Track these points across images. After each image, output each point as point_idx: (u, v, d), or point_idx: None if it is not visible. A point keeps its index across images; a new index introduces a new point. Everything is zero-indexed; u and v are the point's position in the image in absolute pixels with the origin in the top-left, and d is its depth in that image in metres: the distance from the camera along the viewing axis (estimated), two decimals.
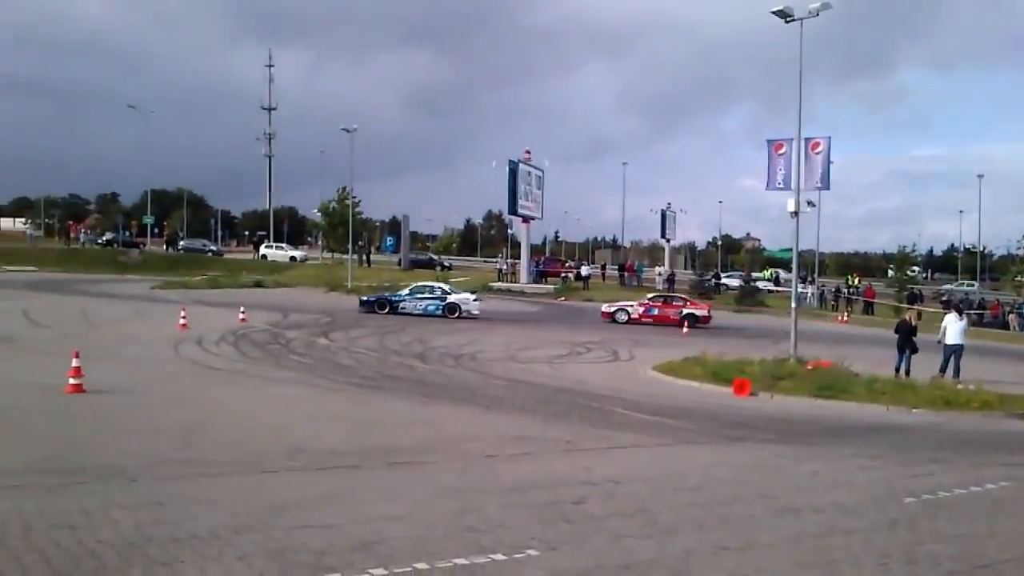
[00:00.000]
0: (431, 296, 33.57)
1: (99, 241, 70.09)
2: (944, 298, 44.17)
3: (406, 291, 34.26)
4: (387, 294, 34.95)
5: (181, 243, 74.58)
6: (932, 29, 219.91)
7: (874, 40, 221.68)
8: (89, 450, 9.77)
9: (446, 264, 68.87)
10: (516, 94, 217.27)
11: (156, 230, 77.92)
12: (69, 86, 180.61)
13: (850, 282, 55.44)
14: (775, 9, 20.14)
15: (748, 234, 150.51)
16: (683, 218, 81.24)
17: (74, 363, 13.68)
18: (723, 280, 60.24)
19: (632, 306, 35.12)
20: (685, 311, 34.27)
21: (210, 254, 68.61)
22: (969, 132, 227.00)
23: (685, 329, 31.18)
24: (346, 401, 14.40)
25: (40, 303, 30.54)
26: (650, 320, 34.09)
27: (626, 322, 34.10)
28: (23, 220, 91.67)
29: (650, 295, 37.95)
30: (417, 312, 32.51)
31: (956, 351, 20.48)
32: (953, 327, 20.74)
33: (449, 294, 33.94)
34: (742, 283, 51.75)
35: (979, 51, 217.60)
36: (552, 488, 8.65)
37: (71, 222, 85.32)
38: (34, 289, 37.58)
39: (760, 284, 55.15)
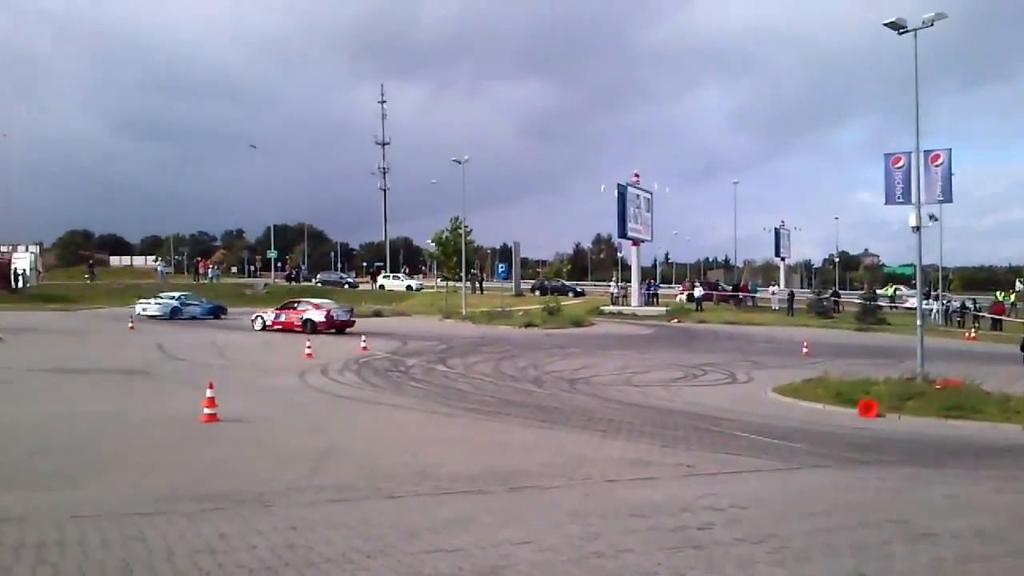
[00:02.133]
0: None
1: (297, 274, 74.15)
2: None
3: None
4: None
5: (319, 276, 77.44)
6: None
7: (1002, 45, 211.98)
8: (225, 477, 10.22)
9: (578, 289, 69.10)
10: (628, 117, 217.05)
11: (279, 264, 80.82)
12: (195, 128, 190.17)
13: (1000, 297, 52.33)
14: (887, 21, 19.62)
15: (866, 250, 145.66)
16: (798, 235, 79.51)
17: (208, 393, 14.34)
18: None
19: (267, 313, 37.21)
20: (305, 316, 35.51)
21: (346, 286, 71.27)
22: None
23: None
24: (466, 426, 14.63)
25: (173, 337, 32.07)
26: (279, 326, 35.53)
27: (262, 329, 35.89)
28: (154, 258, 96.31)
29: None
30: None
31: None
32: None
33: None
34: (862, 301, 50.05)
35: None
36: (676, 513, 8.58)
37: (199, 258, 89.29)
38: (166, 323, 39.53)
39: (881, 302, 53.18)
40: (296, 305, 37.19)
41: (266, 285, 66.00)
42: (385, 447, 12.44)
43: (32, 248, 69.21)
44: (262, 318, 36.73)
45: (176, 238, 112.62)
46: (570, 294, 65.87)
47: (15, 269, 57.32)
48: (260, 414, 15.14)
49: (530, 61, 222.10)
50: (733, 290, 62.63)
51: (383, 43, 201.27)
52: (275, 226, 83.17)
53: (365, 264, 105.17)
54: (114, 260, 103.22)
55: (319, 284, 70.90)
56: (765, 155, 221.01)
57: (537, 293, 63.92)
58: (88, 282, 66.52)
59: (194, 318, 42.49)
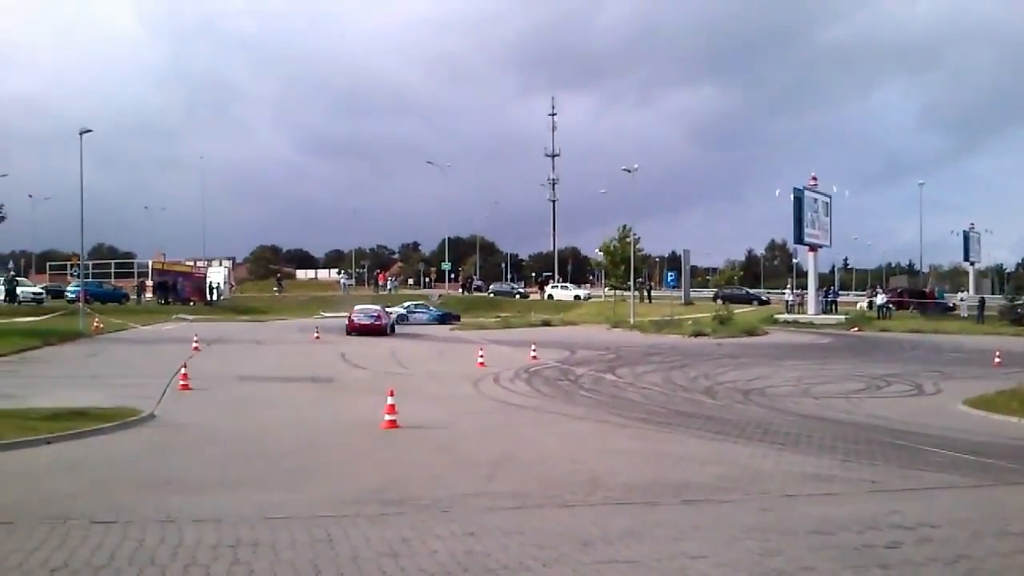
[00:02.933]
0: None
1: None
2: None
3: None
4: None
5: (492, 287, 79.41)
6: None
7: None
8: (406, 482, 10.61)
9: (763, 298, 67.49)
10: (806, 119, 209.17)
11: (452, 275, 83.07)
12: (374, 144, 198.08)
13: None
14: None
15: None
16: (989, 238, 74.43)
17: (389, 401, 14.94)
18: None
19: None
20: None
21: (517, 296, 72.76)
22: None
23: (997, 360, 28.42)
24: (636, 436, 14.57)
25: (355, 346, 33.51)
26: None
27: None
28: (337, 270, 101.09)
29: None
30: None
31: None
32: None
33: None
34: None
35: None
36: (860, 531, 8.25)
37: (379, 271, 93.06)
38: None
39: None
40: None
41: (440, 296, 68.04)
42: (557, 455, 12.57)
43: (225, 263, 74.36)
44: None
45: (357, 251, 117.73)
46: (754, 303, 64.16)
47: (210, 283, 61.60)
48: (437, 421, 15.62)
49: (701, 66, 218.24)
50: (920, 296, 59.37)
51: (555, 55, 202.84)
52: (449, 238, 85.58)
53: (534, 274, 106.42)
54: (300, 273, 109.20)
55: (492, 295, 72.45)
56: (952, 155, 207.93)
57: (719, 302, 62.83)
58: (276, 294, 70.66)
59: (420, 324, 47.75)
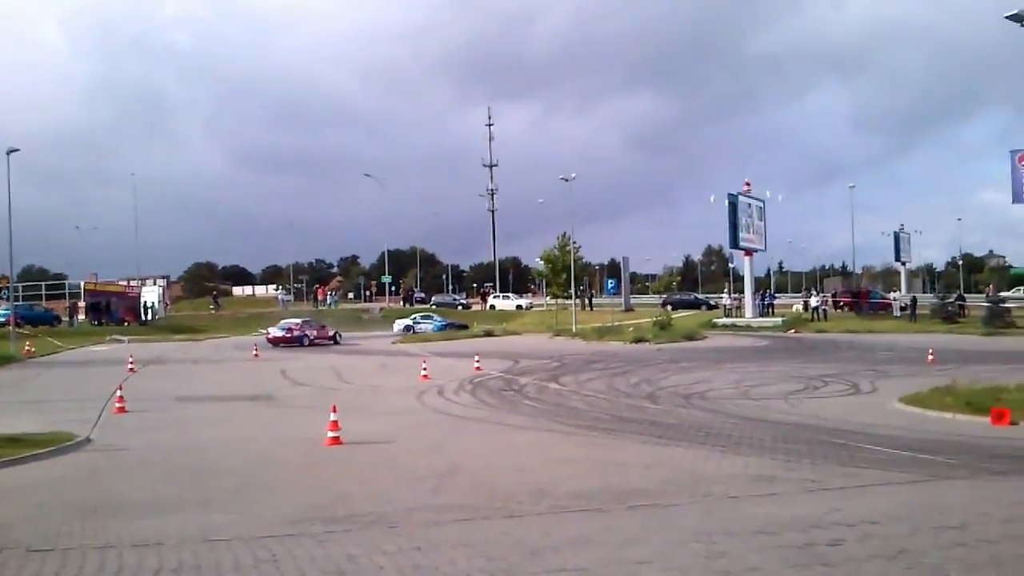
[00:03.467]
0: None
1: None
2: None
3: None
4: None
5: (434, 299, 79.22)
6: None
7: None
8: (351, 498, 10.51)
9: (711, 303, 68.14)
10: (740, 125, 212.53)
11: (393, 288, 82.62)
12: (311, 157, 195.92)
13: None
14: (1009, 14, 18.80)
15: (991, 251, 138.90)
16: (919, 239, 76.50)
17: (332, 417, 14.79)
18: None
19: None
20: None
21: (459, 307, 72.75)
22: None
23: (933, 359, 29.17)
24: (582, 444, 14.62)
25: (295, 363, 33.14)
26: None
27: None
28: (274, 286, 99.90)
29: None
30: None
31: None
32: None
33: None
34: (989, 304, 47.74)
35: None
36: (803, 530, 8.38)
37: (318, 286, 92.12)
38: (289, 349, 40.90)
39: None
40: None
41: (382, 309, 67.63)
42: (503, 466, 12.56)
43: (160, 281, 72.77)
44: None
45: (295, 266, 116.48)
46: (703, 307, 64.93)
47: (144, 302, 60.33)
48: (381, 436, 15.49)
49: (639, 75, 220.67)
50: (853, 297, 60.69)
51: (493, 65, 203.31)
52: (388, 251, 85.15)
53: (475, 285, 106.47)
54: (237, 290, 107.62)
55: (434, 306, 72.29)
56: (884, 157, 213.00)
57: (668, 308, 63.61)
58: (213, 312, 69.47)
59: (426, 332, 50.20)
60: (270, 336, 44.19)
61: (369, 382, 25.95)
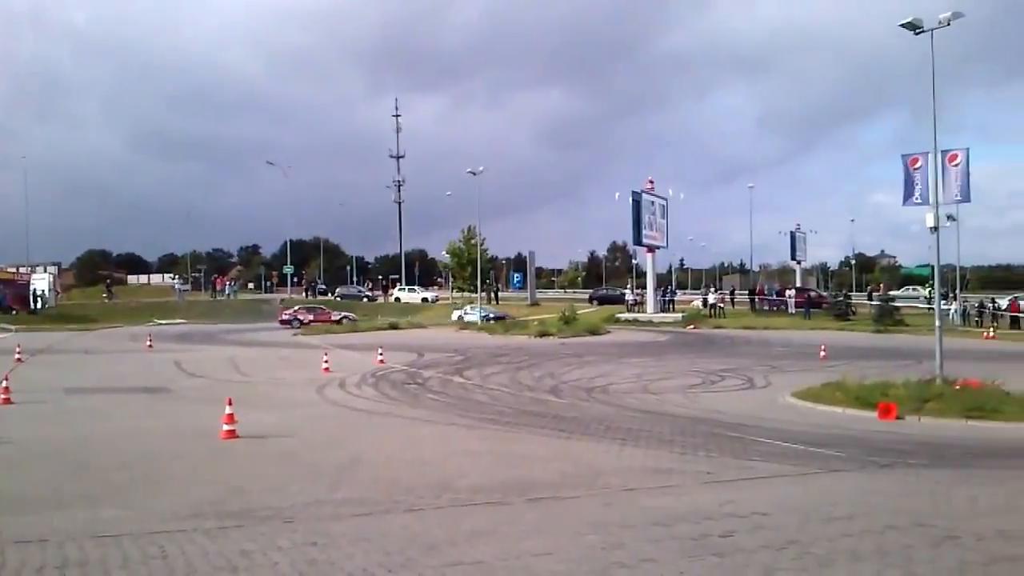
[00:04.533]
0: None
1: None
2: None
3: None
4: None
5: (338, 290, 77.99)
6: None
7: None
8: (246, 493, 10.24)
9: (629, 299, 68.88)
10: (648, 122, 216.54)
11: (295, 278, 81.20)
12: (212, 143, 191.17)
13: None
14: (903, 22, 19.52)
15: (883, 251, 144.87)
16: (819, 237, 79.45)
17: (227, 410, 14.39)
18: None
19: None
20: None
21: (365, 299, 71.82)
22: None
23: (822, 354, 30.20)
24: (484, 438, 14.61)
25: (191, 354, 32.25)
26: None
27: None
28: (171, 275, 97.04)
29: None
30: None
31: None
32: None
33: None
34: (880, 303, 49.76)
35: None
36: (697, 521, 8.56)
37: (216, 275, 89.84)
38: (185, 340, 39.75)
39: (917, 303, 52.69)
40: None
41: (282, 301, 66.36)
42: (404, 460, 12.45)
43: (51, 269, 69.86)
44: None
45: (193, 255, 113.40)
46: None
47: (34, 290, 57.89)
48: (279, 429, 15.18)
49: (550, 70, 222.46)
50: (750, 294, 62.36)
51: (406, 54, 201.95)
52: (291, 241, 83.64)
53: (381, 277, 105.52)
54: (132, 279, 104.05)
55: (338, 299, 71.32)
56: (785, 158, 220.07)
57: (595, 303, 64.39)
58: (106, 301, 67.09)
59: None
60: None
61: (268, 375, 25.41)
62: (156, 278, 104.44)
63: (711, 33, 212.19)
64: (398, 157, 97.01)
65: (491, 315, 53.35)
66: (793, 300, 56.55)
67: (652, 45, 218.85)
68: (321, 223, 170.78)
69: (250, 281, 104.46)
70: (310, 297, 72.95)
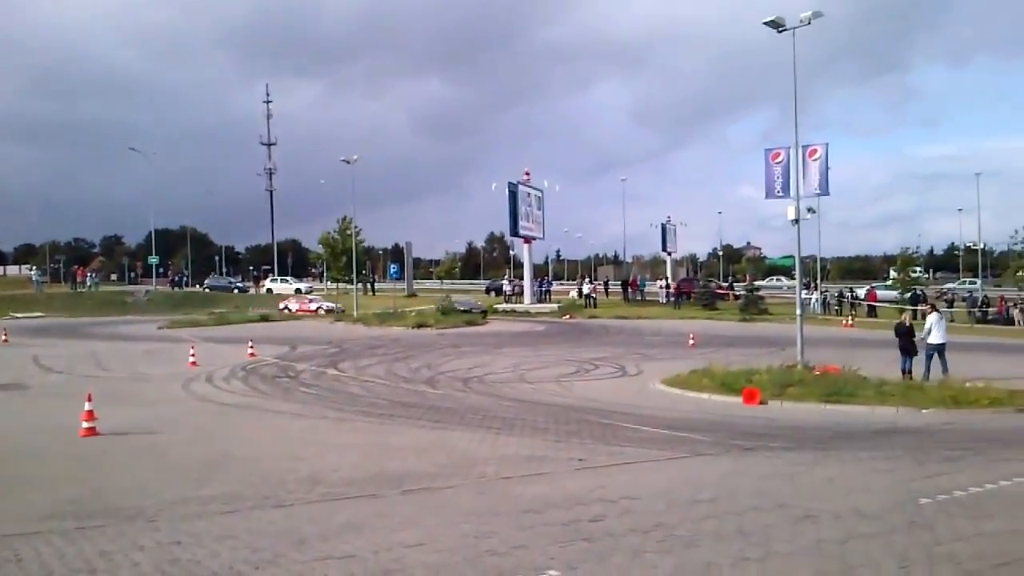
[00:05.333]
0: None
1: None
2: (947, 296, 44.01)
3: None
4: None
5: (207, 281, 75.41)
6: (946, 23, 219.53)
7: (891, 38, 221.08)
8: (106, 492, 9.83)
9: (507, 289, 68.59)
10: (527, 114, 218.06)
11: (161, 270, 78.29)
12: (73, 128, 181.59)
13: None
14: (767, 20, 20.24)
15: (748, 243, 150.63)
16: (690, 229, 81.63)
17: (87, 406, 13.78)
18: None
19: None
20: None
21: (236, 291, 69.70)
22: (984, 128, 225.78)
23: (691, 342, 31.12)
24: (358, 430, 14.44)
25: (50, 348, 30.65)
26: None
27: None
28: (29, 266, 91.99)
29: None
30: None
31: (940, 349, 20.46)
32: (938, 326, 20.78)
33: None
34: (745, 292, 51.70)
35: (993, 44, 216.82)
36: (569, 507, 8.69)
37: (77, 266, 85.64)
38: (43, 335, 37.69)
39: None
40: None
41: (147, 292, 63.82)
42: (274, 455, 12.16)
43: None
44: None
45: (52, 245, 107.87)
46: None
47: None
48: (142, 426, 14.59)
49: (430, 58, 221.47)
50: (623, 285, 63.73)
51: (279, 40, 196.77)
52: (156, 231, 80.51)
53: (252, 268, 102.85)
54: None
55: (207, 290, 69.09)
56: (659, 151, 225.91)
57: (493, 294, 64.31)
58: None
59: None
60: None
61: (132, 369, 24.40)
62: (12, 269, 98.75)
63: (590, 25, 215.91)
64: (269, 144, 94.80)
65: (325, 307, 52.09)
66: (667, 291, 58.16)
67: (532, 36, 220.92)
68: (189, 212, 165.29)
69: (113, 272, 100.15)
70: (176, 290, 70.40)
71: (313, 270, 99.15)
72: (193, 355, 25.00)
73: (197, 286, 73.97)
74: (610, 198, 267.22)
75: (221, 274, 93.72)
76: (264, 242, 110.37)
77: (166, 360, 26.62)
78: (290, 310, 50.76)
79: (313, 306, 51.72)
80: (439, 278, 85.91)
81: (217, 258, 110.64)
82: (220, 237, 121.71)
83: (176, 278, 78.31)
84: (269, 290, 69.71)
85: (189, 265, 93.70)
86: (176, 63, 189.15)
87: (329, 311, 49.85)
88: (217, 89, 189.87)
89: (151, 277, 77.05)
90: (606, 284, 69.94)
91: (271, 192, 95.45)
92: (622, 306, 55.12)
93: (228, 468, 11.29)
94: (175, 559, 7.02)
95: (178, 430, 14.44)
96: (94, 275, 75.84)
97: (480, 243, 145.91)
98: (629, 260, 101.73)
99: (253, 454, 12.28)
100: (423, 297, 60.20)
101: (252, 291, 72.36)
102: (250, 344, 27.76)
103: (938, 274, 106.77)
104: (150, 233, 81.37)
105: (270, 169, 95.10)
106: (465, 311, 46.49)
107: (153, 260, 75.77)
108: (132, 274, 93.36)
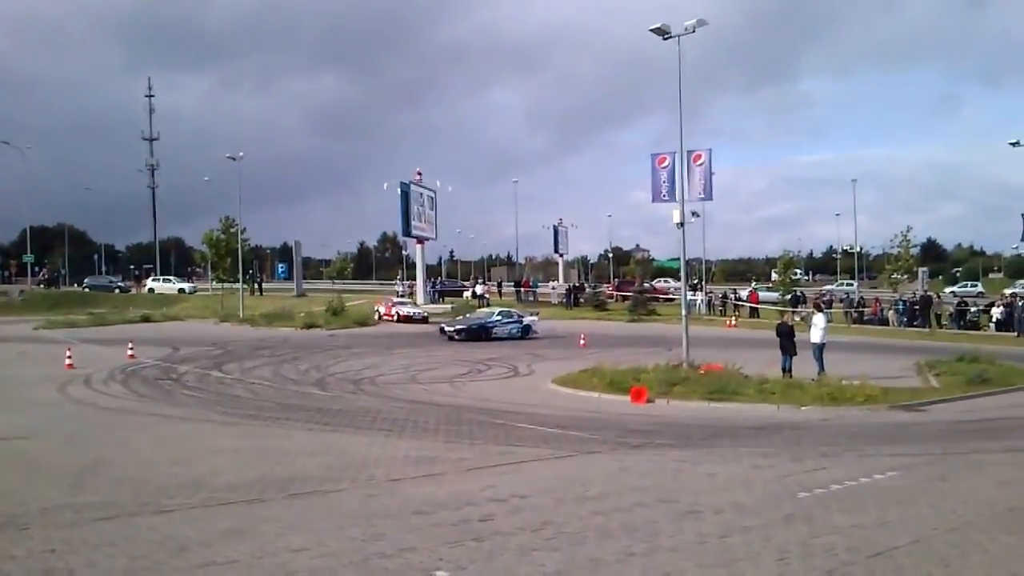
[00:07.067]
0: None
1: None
2: (826, 298, 45.86)
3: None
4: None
5: (87, 280, 72.23)
6: (830, 35, 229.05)
7: (778, 48, 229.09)
8: None
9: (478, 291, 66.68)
10: (423, 114, 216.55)
11: (37, 268, 74.71)
12: None
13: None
14: (653, 27, 20.69)
15: (637, 245, 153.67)
16: (581, 231, 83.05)
17: None
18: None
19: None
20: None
21: (118, 291, 66.94)
22: (864, 136, 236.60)
23: (582, 342, 31.55)
24: (243, 434, 14.09)
25: None
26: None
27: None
28: None
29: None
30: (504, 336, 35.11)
31: (821, 347, 21.40)
32: (820, 325, 21.73)
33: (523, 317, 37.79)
34: (634, 293, 52.76)
35: (873, 57, 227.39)
36: (458, 508, 8.68)
37: None
38: None
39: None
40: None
41: (22, 292, 60.86)
42: (155, 459, 11.75)
43: None
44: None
45: None
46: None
47: None
48: (14, 430, 13.90)
49: (324, 55, 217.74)
50: (516, 286, 64.11)
51: (165, 32, 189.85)
52: (32, 227, 76.72)
53: (132, 267, 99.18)
54: None
55: (87, 289, 66.30)
56: (554, 154, 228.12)
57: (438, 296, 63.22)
58: None
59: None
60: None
61: (3, 371, 23.23)
62: None
63: (490, 26, 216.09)
64: (151, 140, 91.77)
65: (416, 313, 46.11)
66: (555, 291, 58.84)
67: (429, 35, 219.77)
68: (67, 209, 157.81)
69: None
70: (52, 289, 67.25)
71: (197, 269, 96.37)
72: (70, 357, 23.94)
73: (75, 285, 70.79)
74: (505, 200, 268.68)
75: (101, 273, 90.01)
76: (146, 240, 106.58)
77: (41, 362, 25.45)
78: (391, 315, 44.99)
79: (409, 311, 45.79)
80: (330, 278, 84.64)
81: (96, 256, 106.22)
82: (100, 235, 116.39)
83: (50, 276, 74.73)
84: (151, 290, 67.37)
85: (67, 263, 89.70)
86: (54, 55, 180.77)
87: (422, 319, 44.62)
88: (98, 83, 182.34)
89: (27, 276, 73.42)
90: (499, 285, 70.26)
91: (153, 189, 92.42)
92: (516, 306, 55.47)
93: (106, 473, 10.85)
94: (48, 568, 6.71)
95: (53, 434, 13.81)
96: None
97: (373, 243, 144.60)
98: (522, 261, 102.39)
99: (132, 459, 11.84)
100: (313, 298, 59.20)
101: (134, 291, 69.71)
102: (130, 346, 26.79)
103: (817, 276, 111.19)
104: (24, 230, 77.58)
105: (152, 165, 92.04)
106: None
107: (28, 258, 72.20)
108: (5, 273, 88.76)
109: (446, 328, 35.39)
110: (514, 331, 35.65)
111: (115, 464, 11.46)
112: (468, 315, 40.87)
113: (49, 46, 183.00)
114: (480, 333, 34.63)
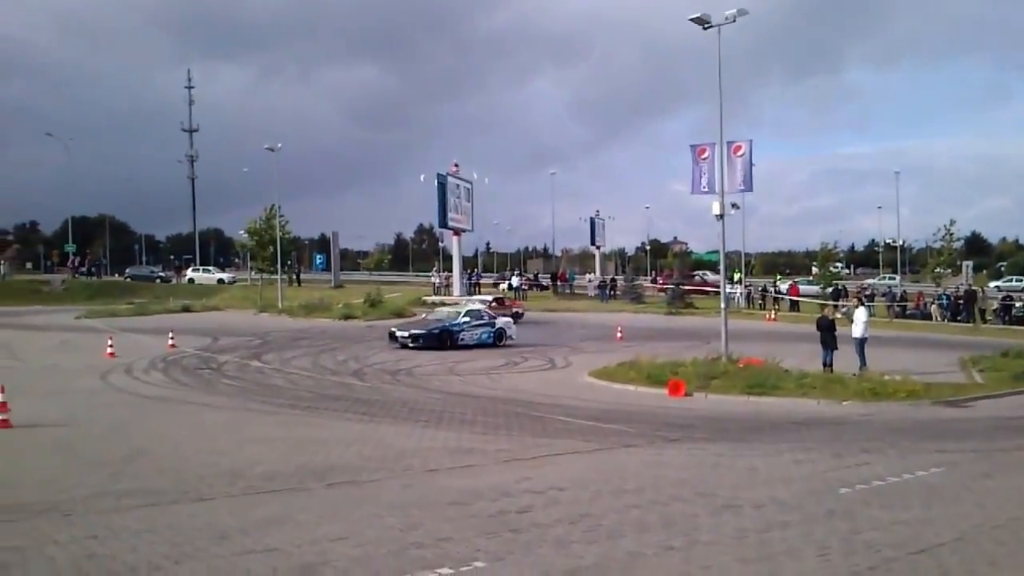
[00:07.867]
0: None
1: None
2: (868, 292, 45.21)
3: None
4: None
5: (128, 270, 73.29)
6: (877, 25, 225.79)
7: (822, 38, 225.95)
8: (20, 487, 9.50)
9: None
10: (462, 105, 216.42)
11: (79, 258, 75.95)
12: None
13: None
14: (692, 16, 20.49)
15: (675, 238, 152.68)
16: (618, 223, 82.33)
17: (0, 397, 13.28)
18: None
19: None
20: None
21: (158, 280, 67.87)
22: (908, 127, 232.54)
23: (619, 335, 31.38)
24: (283, 423, 14.20)
25: None
26: None
27: None
28: None
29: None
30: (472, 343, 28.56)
31: (863, 342, 21.10)
32: (862, 319, 21.42)
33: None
34: (672, 286, 52.38)
35: (921, 47, 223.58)
36: (495, 499, 8.67)
37: None
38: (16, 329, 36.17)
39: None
40: None
41: (63, 281, 61.88)
42: (195, 448, 11.89)
43: None
44: None
45: None
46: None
47: None
48: (57, 418, 14.13)
49: (364, 46, 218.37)
50: (552, 279, 63.99)
51: (204, 23, 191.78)
52: (73, 218, 77.96)
53: (172, 257, 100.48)
54: None
55: (128, 279, 67.26)
56: (593, 145, 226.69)
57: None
58: None
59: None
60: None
61: (46, 360, 23.63)
62: None
63: (530, 16, 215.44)
64: (191, 131, 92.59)
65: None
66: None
67: (469, 24, 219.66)
68: (108, 200, 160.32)
69: (28, 260, 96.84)
70: (93, 279, 68.23)
71: (236, 260, 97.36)
72: (111, 346, 24.29)
73: (117, 275, 71.83)
74: (542, 192, 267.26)
75: (142, 263, 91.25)
76: (186, 231, 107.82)
77: (83, 351, 25.85)
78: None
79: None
80: (368, 270, 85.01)
81: (137, 247, 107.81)
82: (140, 225, 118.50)
83: (92, 267, 75.83)
84: (191, 280, 68.17)
85: (108, 253, 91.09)
86: (95, 47, 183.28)
87: None
88: (139, 74, 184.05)
89: (68, 265, 74.67)
90: (536, 277, 70.17)
91: (193, 180, 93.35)
92: (551, 299, 55.41)
93: (145, 461, 10.99)
94: (91, 554, 6.81)
95: (96, 423, 14.03)
96: (6, 264, 73.34)
97: (410, 235, 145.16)
98: (558, 254, 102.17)
99: (172, 448, 11.99)
100: (350, 289, 59.54)
101: (174, 281, 70.60)
102: (171, 335, 27.12)
103: (859, 270, 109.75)
104: (67, 221, 78.88)
105: (191, 156, 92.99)
106: None
107: (69, 248, 73.40)
108: (48, 262, 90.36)
109: (397, 333, 28.39)
110: (485, 337, 28.97)
111: (156, 452, 11.61)
112: (428, 316, 33.47)
113: (88, 39, 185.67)
114: (443, 339, 27.88)
